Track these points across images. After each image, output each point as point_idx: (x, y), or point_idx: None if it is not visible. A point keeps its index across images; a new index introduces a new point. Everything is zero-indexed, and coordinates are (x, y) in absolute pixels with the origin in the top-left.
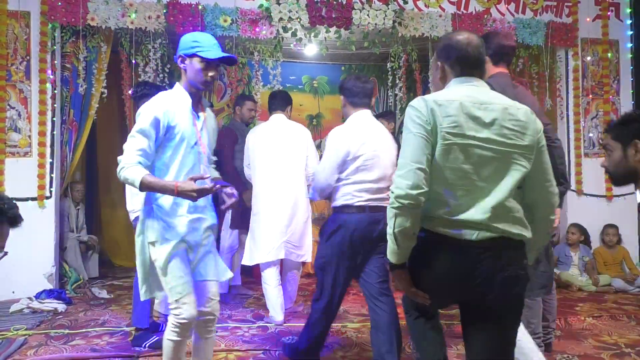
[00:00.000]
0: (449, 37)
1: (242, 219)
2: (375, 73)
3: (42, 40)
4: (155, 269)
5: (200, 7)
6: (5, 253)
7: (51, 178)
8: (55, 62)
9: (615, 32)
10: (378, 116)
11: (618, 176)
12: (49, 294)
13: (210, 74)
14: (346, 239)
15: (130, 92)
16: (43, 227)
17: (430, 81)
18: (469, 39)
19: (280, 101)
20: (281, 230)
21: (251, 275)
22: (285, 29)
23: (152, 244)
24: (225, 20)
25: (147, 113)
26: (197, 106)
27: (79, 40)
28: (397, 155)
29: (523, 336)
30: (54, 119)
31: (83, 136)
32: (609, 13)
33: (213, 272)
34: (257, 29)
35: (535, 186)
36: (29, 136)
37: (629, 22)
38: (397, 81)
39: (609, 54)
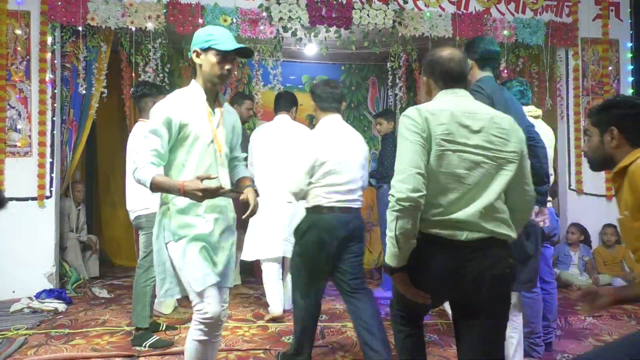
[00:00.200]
0: (432, 54)
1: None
2: (375, 73)
3: (42, 40)
4: (176, 269)
5: (200, 7)
6: None
7: (51, 178)
8: (55, 61)
9: (615, 32)
10: (378, 115)
11: (595, 161)
12: (49, 293)
13: (227, 66)
14: (318, 237)
15: (130, 92)
16: (43, 227)
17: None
18: (452, 55)
19: (285, 102)
20: (281, 229)
21: (251, 275)
22: (285, 29)
23: (170, 242)
24: (225, 20)
25: (159, 112)
26: (214, 102)
27: (79, 40)
28: (366, 157)
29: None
30: (54, 118)
31: (83, 136)
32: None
33: (230, 279)
34: (257, 29)
35: (515, 189)
36: (29, 136)
37: (629, 21)
38: (397, 81)
39: (609, 54)
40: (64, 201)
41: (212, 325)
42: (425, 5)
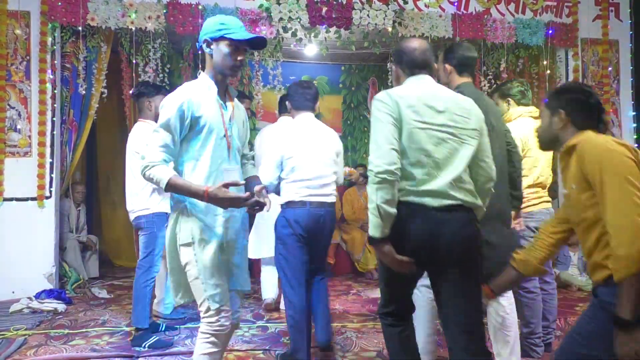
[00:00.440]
0: (400, 45)
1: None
2: (375, 73)
3: (42, 40)
4: (187, 273)
5: (200, 7)
6: None
7: (51, 178)
8: (55, 62)
9: (615, 32)
10: None
11: (543, 141)
12: (48, 293)
13: (239, 57)
14: (293, 231)
15: (130, 92)
16: (43, 227)
17: None
18: (416, 45)
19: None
20: None
21: (251, 274)
22: (285, 29)
23: (187, 245)
24: None
25: (169, 105)
26: (224, 95)
27: (79, 40)
28: (338, 153)
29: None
30: (54, 119)
31: (83, 136)
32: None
33: (245, 282)
34: (257, 29)
35: (477, 163)
36: (29, 136)
37: (629, 22)
38: None
39: (609, 54)
40: (63, 201)
41: (226, 336)
42: (426, 6)
